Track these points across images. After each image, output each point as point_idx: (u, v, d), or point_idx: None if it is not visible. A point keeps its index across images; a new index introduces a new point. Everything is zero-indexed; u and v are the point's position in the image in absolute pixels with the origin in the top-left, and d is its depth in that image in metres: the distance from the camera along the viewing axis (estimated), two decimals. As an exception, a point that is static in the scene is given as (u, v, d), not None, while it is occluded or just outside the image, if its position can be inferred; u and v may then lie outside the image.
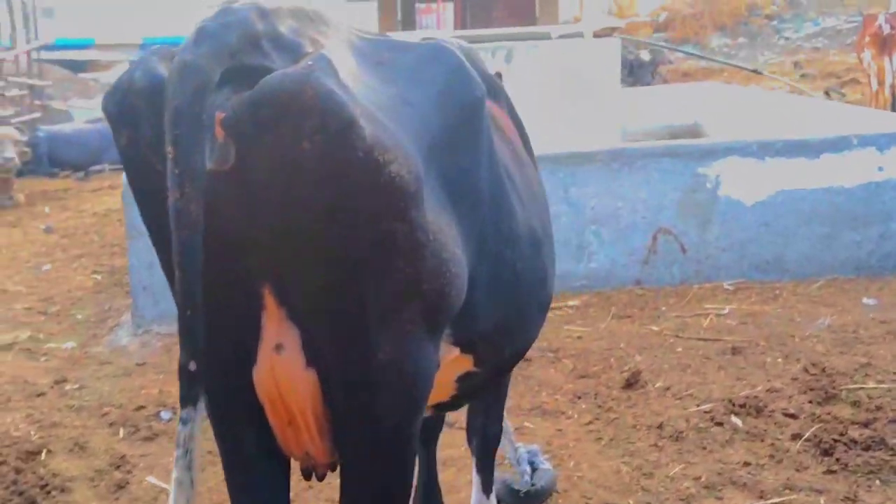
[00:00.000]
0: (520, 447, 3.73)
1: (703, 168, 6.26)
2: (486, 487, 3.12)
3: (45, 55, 17.04)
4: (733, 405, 4.35)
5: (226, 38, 1.48)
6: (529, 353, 5.09)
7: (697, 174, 6.27)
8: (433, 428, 3.31)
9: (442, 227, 1.75)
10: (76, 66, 20.51)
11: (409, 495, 1.95)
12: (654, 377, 4.80)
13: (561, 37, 9.15)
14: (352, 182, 1.51)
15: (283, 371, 1.67)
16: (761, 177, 6.26)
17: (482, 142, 1.97)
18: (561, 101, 8.51)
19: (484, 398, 3.09)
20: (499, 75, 3.38)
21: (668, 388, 4.66)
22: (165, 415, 4.63)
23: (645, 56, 19.08)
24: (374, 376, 1.70)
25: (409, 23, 19.57)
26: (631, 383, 4.72)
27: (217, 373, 1.68)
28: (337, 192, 1.51)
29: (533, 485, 3.45)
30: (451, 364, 2.09)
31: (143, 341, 6.02)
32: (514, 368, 3.18)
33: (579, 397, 4.65)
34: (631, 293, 6.28)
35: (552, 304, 5.92)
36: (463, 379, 2.23)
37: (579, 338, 5.53)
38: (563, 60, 8.54)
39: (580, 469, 3.87)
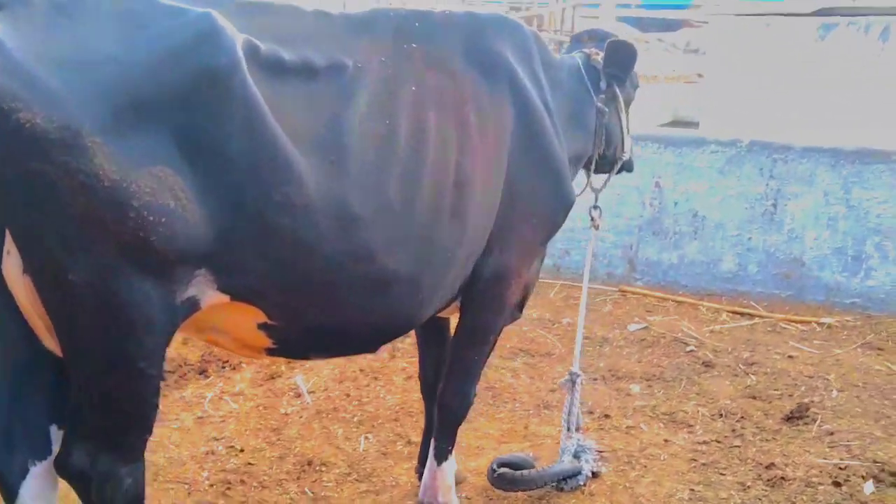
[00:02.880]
0: (574, 437, 3.56)
1: None
2: (438, 454, 3.12)
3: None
4: (883, 471, 3.55)
5: None
6: (713, 359, 4.71)
7: None
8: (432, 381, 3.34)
9: (143, 176, 1.87)
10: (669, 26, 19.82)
11: (138, 431, 2.17)
12: (831, 418, 4.08)
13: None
14: None
15: (8, 271, 2.00)
16: None
17: (231, 107, 2.00)
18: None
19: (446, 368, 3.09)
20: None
21: (831, 434, 3.93)
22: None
23: None
24: (68, 294, 1.94)
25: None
26: (793, 417, 4.08)
27: None
28: None
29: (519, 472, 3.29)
30: (230, 309, 2.24)
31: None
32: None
33: (722, 416, 4.16)
34: (909, 324, 5.22)
35: (793, 317, 5.32)
36: (267, 329, 2.34)
37: (790, 357, 4.83)
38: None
39: (639, 483, 3.55)
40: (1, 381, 2.18)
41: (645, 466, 3.69)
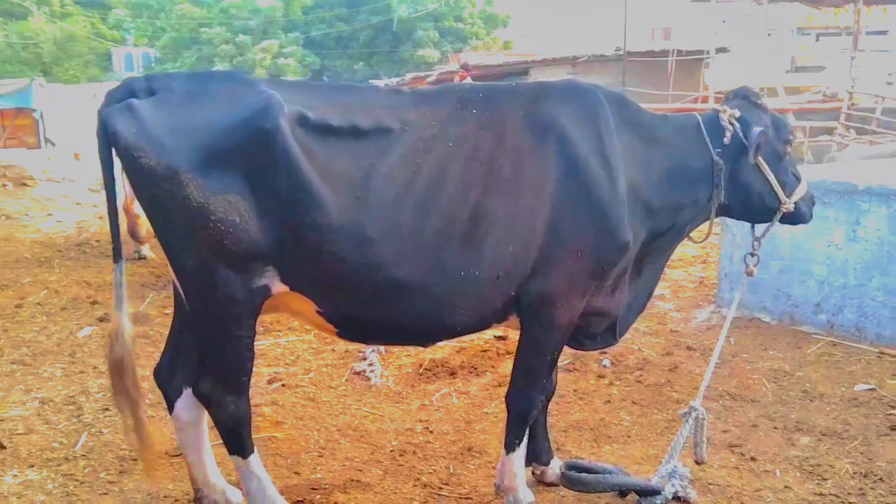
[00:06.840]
0: (675, 463, 3.98)
1: None
2: (507, 445, 3.74)
3: None
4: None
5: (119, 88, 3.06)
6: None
7: None
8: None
9: (218, 200, 2.89)
10: None
11: (237, 373, 3.21)
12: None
13: None
14: (125, 164, 2.92)
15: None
16: None
17: (275, 156, 2.92)
18: None
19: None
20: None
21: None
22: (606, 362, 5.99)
23: None
24: (186, 278, 3.10)
25: None
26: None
27: None
28: (125, 168, 2.94)
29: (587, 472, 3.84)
30: (292, 297, 3.20)
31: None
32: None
33: (864, 475, 4.19)
34: None
35: None
36: (322, 315, 3.28)
37: None
38: None
39: (724, 514, 3.91)
40: (173, 328, 3.55)
41: (741, 504, 4.01)
